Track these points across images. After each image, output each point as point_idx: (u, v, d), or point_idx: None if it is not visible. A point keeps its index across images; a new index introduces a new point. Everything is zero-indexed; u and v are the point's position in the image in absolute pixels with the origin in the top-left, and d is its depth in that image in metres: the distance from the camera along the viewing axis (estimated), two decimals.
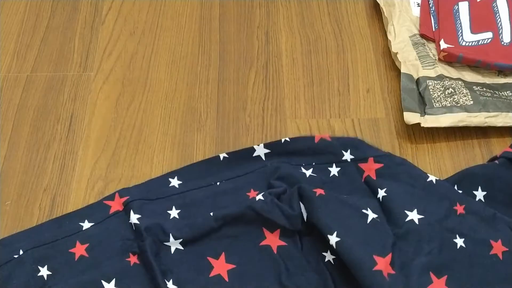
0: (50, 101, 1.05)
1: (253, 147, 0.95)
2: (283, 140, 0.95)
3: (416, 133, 1.01)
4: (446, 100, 0.99)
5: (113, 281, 0.81)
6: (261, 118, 1.03)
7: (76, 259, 0.84)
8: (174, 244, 0.85)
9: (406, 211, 0.86)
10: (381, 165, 0.92)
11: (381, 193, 0.88)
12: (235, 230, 0.86)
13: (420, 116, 0.98)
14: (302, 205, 0.85)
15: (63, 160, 0.98)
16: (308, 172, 0.92)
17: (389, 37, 1.08)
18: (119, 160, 0.98)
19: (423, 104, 1.00)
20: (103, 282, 0.81)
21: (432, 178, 0.90)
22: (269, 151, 0.94)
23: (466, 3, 1.10)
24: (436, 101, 0.99)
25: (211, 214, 0.86)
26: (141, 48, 1.12)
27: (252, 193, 0.89)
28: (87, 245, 0.85)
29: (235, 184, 0.91)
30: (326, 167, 0.93)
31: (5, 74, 1.08)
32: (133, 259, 0.84)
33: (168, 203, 0.89)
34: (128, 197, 0.89)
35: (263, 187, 0.91)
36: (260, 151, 0.94)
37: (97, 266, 0.83)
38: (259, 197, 0.87)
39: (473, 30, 1.07)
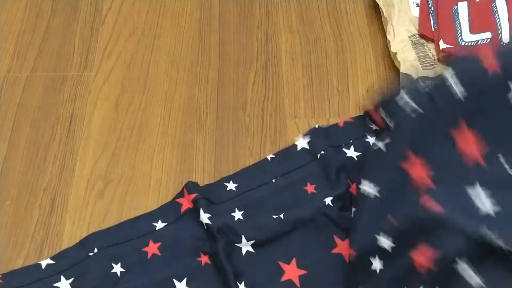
0: (50, 101, 1.05)
1: (294, 143, 0.96)
2: (316, 125, 0.98)
3: None
4: None
5: (185, 280, 0.82)
6: (260, 118, 1.03)
7: (148, 258, 0.85)
8: (245, 246, 0.85)
9: None
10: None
11: None
12: (307, 235, 0.86)
13: None
14: None
15: (63, 160, 0.98)
16: (352, 152, 0.93)
17: (389, 37, 1.08)
18: (119, 160, 0.98)
19: None
20: (174, 281, 0.82)
21: None
22: (309, 139, 0.96)
23: (465, 3, 1.10)
24: None
25: (282, 217, 0.86)
26: (141, 48, 1.12)
27: (309, 187, 0.90)
28: (159, 244, 0.86)
29: (291, 179, 0.92)
30: (363, 139, 0.95)
31: (5, 74, 1.08)
32: (204, 259, 0.84)
33: (229, 206, 0.89)
34: (196, 194, 0.90)
35: (319, 179, 0.91)
36: (302, 142, 0.96)
37: (169, 265, 0.84)
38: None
39: (472, 30, 1.07)
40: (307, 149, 0.96)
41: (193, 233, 0.87)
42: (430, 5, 1.11)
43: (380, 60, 1.11)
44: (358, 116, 1.00)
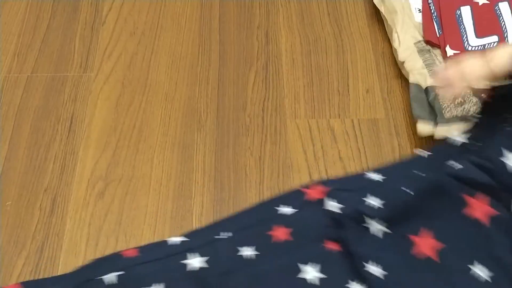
0: (51, 101, 1.05)
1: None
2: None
3: (415, 133, 1.01)
4: (456, 110, 0.98)
5: (315, 265, 0.82)
6: (261, 118, 1.03)
7: (275, 241, 0.85)
8: (375, 226, 0.84)
9: None
10: None
11: None
12: (436, 203, 0.84)
13: (432, 127, 0.97)
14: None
15: (63, 161, 0.98)
16: None
17: (394, 45, 1.07)
18: (119, 160, 0.98)
19: (433, 114, 0.98)
20: (305, 265, 0.82)
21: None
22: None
23: (468, 7, 1.09)
24: (446, 111, 0.98)
25: (411, 192, 0.84)
26: (141, 49, 1.12)
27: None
28: (288, 229, 0.85)
29: (435, 170, 0.88)
30: None
31: (6, 75, 1.08)
32: (331, 245, 0.84)
33: (365, 192, 0.88)
34: (329, 187, 0.89)
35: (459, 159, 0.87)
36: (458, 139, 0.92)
37: (299, 249, 0.84)
38: (452, 163, 0.84)
39: (478, 34, 1.06)
40: (455, 142, 0.91)
41: (319, 221, 0.86)
42: (432, 11, 1.10)
43: (380, 60, 1.11)
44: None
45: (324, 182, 0.90)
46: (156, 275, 0.81)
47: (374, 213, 0.84)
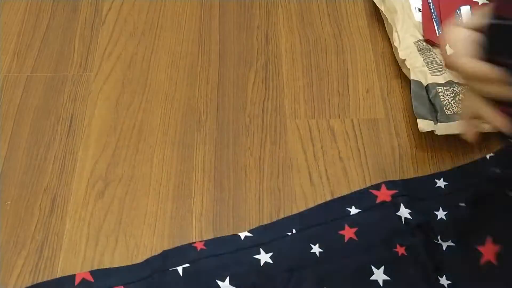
0: (50, 101, 1.05)
1: None
2: None
3: (415, 133, 1.01)
4: (457, 107, 0.98)
5: (382, 268, 0.83)
6: (260, 119, 1.03)
7: (345, 241, 0.86)
8: (443, 239, 0.85)
9: None
10: None
11: None
12: (492, 210, 0.84)
13: (434, 123, 0.97)
14: None
15: (63, 160, 0.98)
16: None
17: (395, 44, 1.07)
18: (119, 160, 0.98)
19: (434, 111, 0.99)
20: (372, 267, 0.83)
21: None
22: None
23: (468, 7, 1.10)
24: (447, 108, 0.98)
25: (462, 204, 0.86)
26: (141, 49, 1.12)
27: None
28: (356, 229, 0.86)
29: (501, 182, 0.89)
30: None
31: (5, 74, 1.08)
32: (400, 250, 0.85)
33: (435, 203, 0.89)
34: (397, 190, 0.90)
35: None
36: None
37: (366, 250, 0.85)
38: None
39: None
40: None
41: (389, 224, 0.87)
42: (432, 10, 1.10)
43: (380, 60, 1.11)
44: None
45: (389, 185, 0.91)
46: (222, 268, 0.82)
47: (442, 227, 0.86)
